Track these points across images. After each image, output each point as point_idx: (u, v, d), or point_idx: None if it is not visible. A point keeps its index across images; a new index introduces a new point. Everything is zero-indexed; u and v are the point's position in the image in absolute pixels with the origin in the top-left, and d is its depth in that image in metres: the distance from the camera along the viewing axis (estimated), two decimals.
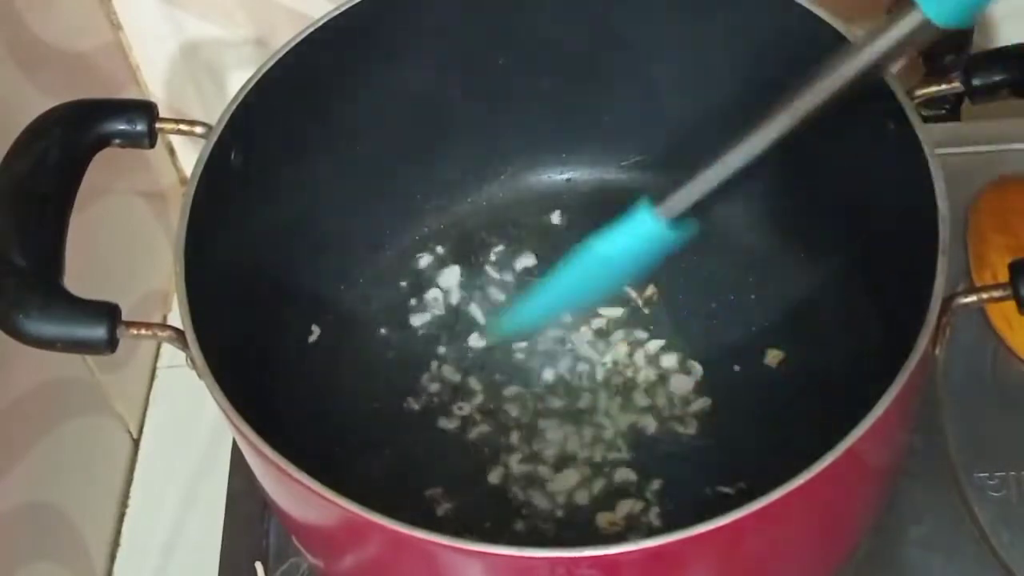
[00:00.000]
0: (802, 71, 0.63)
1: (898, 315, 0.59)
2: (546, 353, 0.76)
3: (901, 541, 0.70)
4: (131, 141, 0.64)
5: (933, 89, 0.64)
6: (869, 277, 0.71)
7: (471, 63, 0.76)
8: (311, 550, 0.66)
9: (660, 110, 0.77)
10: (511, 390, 0.75)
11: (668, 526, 0.51)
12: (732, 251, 0.79)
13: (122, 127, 0.64)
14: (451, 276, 0.80)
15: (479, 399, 0.75)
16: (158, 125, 0.65)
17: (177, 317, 0.59)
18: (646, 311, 0.77)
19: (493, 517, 0.70)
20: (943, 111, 0.86)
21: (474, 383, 0.75)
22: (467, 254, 0.81)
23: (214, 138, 0.65)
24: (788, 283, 0.76)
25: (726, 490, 0.68)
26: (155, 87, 0.90)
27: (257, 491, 0.64)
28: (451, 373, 0.76)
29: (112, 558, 0.79)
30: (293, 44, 0.69)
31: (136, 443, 0.84)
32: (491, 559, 0.52)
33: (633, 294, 0.78)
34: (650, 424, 0.73)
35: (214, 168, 0.64)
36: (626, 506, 0.70)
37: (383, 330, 0.78)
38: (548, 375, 0.75)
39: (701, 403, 0.73)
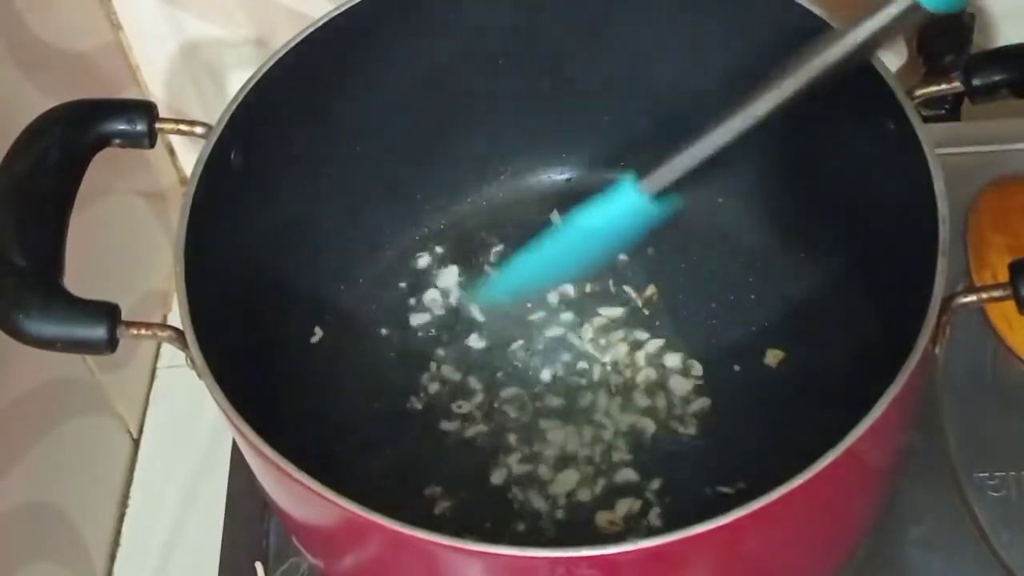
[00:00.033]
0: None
1: (898, 315, 0.59)
2: (546, 353, 0.76)
3: (901, 541, 0.70)
4: (131, 141, 0.64)
5: (933, 89, 0.64)
6: (869, 277, 0.71)
7: (471, 63, 0.76)
8: (311, 550, 0.66)
9: (661, 110, 0.77)
10: (511, 390, 0.75)
11: (668, 526, 0.51)
12: (732, 251, 0.79)
13: (122, 127, 0.64)
14: (451, 276, 0.80)
15: (479, 399, 0.75)
16: (158, 125, 0.65)
17: (177, 317, 0.59)
18: (646, 311, 0.77)
19: (493, 517, 0.70)
20: (943, 111, 0.86)
21: (474, 383, 0.75)
22: (467, 254, 0.81)
23: (214, 138, 0.65)
24: (788, 283, 0.76)
25: (726, 490, 0.68)
26: (155, 87, 0.90)
27: (257, 491, 0.64)
28: (451, 373, 0.76)
29: (112, 558, 0.79)
30: (293, 44, 0.69)
31: (136, 443, 0.84)
32: (491, 559, 0.52)
33: (633, 294, 0.78)
34: (650, 424, 0.73)
35: (214, 168, 0.64)
36: (626, 506, 0.70)
37: (383, 330, 0.78)
38: (548, 375, 0.75)
39: (701, 403, 0.73)
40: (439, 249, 0.81)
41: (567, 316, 0.77)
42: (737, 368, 0.74)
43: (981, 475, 0.72)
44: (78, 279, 0.59)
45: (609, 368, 0.75)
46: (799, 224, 0.76)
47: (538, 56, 0.76)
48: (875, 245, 0.69)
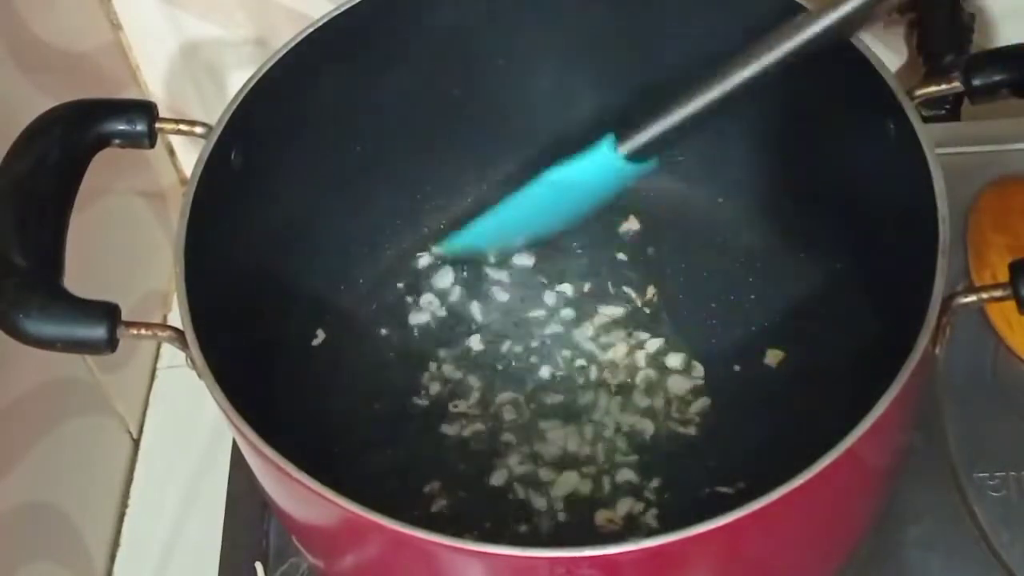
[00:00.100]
0: (805, 74, 0.63)
1: (898, 315, 0.59)
2: (546, 353, 0.76)
3: (901, 541, 0.70)
4: (131, 141, 0.64)
5: (933, 89, 0.64)
6: (869, 277, 0.71)
7: (471, 63, 0.76)
8: (311, 550, 0.66)
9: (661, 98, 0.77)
10: (511, 390, 0.75)
11: (668, 526, 0.51)
12: (732, 251, 0.79)
13: (122, 127, 0.64)
14: (450, 276, 0.80)
15: (479, 399, 0.75)
16: (158, 125, 0.65)
17: (177, 317, 0.59)
18: (646, 311, 0.77)
19: (493, 517, 0.70)
20: (943, 111, 0.86)
21: (474, 382, 0.75)
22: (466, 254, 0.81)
23: (214, 138, 0.65)
24: (788, 283, 0.76)
25: (726, 490, 0.68)
26: (155, 87, 0.90)
27: (257, 491, 0.64)
28: (451, 372, 0.76)
29: (112, 558, 0.79)
30: (293, 44, 0.69)
31: (136, 443, 0.84)
32: (491, 559, 0.52)
33: (633, 294, 0.78)
34: (650, 424, 0.73)
35: (214, 168, 0.64)
36: (626, 506, 0.70)
37: (383, 330, 0.78)
38: (548, 375, 0.75)
39: (701, 403, 0.73)
40: (439, 249, 0.81)
41: (567, 316, 0.77)
42: (737, 368, 0.74)
43: (981, 475, 0.72)
44: (78, 279, 0.59)
45: (609, 368, 0.75)
46: (799, 224, 0.76)
47: (538, 56, 0.76)
48: (875, 245, 0.69)
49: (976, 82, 0.63)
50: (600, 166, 0.70)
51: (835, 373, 0.71)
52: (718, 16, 0.70)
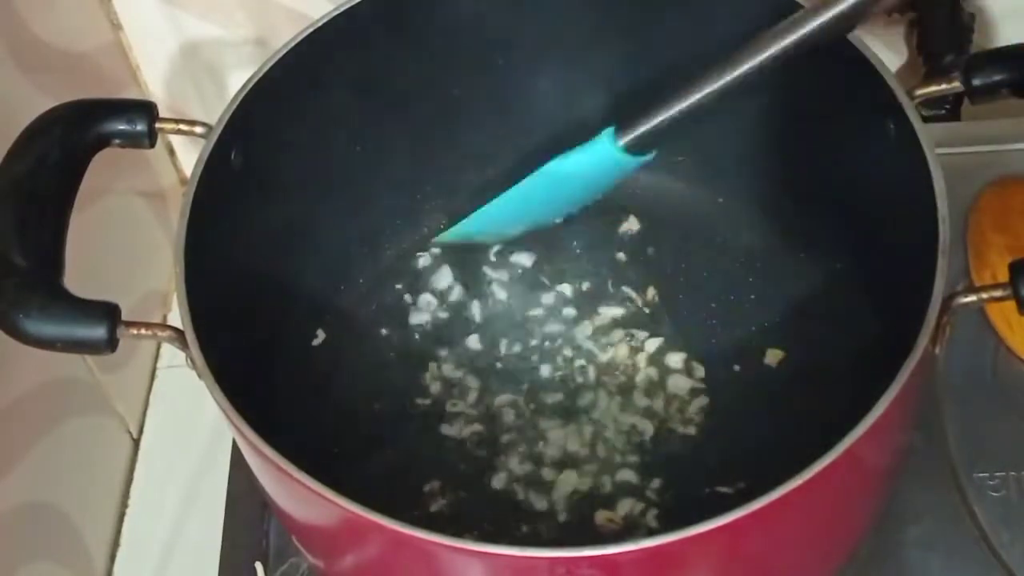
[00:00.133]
0: (805, 74, 0.63)
1: (898, 315, 0.59)
2: (546, 353, 0.76)
3: (901, 541, 0.70)
4: (131, 141, 0.64)
5: (933, 89, 0.64)
6: (869, 277, 0.71)
7: (471, 63, 0.76)
8: (311, 550, 0.66)
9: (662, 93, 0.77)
10: (511, 390, 0.75)
11: (668, 526, 0.51)
12: (732, 251, 0.79)
13: (122, 127, 0.64)
14: (450, 276, 0.80)
15: (479, 398, 0.75)
16: (158, 125, 0.65)
17: (177, 317, 0.59)
18: (646, 311, 0.77)
19: (493, 517, 0.70)
20: (943, 111, 0.86)
21: (474, 382, 0.75)
22: (466, 254, 0.80)
23: (214, 138, 0.65)
24: (788, 283, 0.76)
25: (726, 490, 0.68)
26: (155, 87, 0.90)
27: (257, 491, 0.64)
28: (451, 372, 0.76)
29: (112, 558, 0.79)
30: (293, 44, 0.69)
31: (136, 443, 0.84)
32: (491, 559, 0.52)
33: (633, 294, 0.78)
34: (650, 424, 0.73)
35: (214, 168, 0.64)
36: (626, 506, 0.70)
37: (383, 330, 0.78)
38: (548, 374, 0.75)
39: (701, 403, 0.73)
40: (438, 249, 0.81)
41: (567, 316, 0.77)
42: (737, 368, 0.74)
43: (981, 475, 0.72)
44: (78, 279, 0.59)
45: (609, 368, 0.75)
46: (799, 224, 0.76)
47: (538, 56, 0.76)
48: (875, 245, 0.69)
49: (976, 82, 0.63)
50: (600, 157, 0.71)
51: (835, 373, 0.71)
52: (717, 12, 0.70)
